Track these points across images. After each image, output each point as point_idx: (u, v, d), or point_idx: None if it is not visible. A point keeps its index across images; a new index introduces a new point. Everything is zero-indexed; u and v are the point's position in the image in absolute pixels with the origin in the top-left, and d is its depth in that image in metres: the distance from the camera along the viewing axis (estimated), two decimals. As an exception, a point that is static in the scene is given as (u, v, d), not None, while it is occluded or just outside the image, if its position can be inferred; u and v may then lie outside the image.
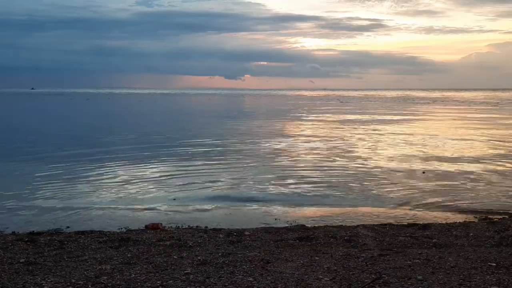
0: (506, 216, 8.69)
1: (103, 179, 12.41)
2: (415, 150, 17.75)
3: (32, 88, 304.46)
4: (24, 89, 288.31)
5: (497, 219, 8.40)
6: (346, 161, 15.19)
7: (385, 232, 7.20)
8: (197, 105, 73.58)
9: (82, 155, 16.65)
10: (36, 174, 12.98)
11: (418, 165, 14.31)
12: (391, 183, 11.72)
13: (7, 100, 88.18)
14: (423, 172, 12.95)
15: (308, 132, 26.13)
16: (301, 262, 5.58)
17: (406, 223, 8.08)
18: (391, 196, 10.47)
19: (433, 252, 6.04)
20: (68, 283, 4.87)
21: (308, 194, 10.71)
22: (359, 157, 16.08)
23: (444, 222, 8.27)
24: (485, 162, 14.90)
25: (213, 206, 9.63)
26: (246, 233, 7.20)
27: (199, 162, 15.08)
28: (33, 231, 7.59)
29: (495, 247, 6.36)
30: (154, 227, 7.88)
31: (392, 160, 15.36)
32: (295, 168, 13.94)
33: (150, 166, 14.40)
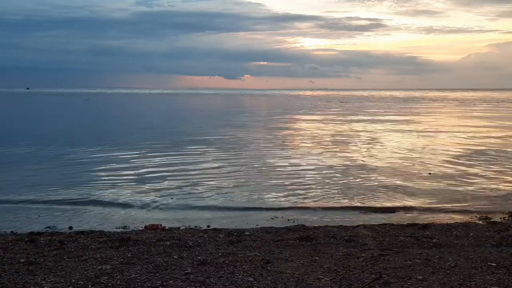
0: (506, 216, 8.70)
1: (103, 179, 12.40)
2: (418, 150, 17.74)
3: (27, 88, 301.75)
4: (20, 89, 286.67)
5: (497, 219, 8.41)
6: (348, 161, 15.18)
7: (385, 232, 7.20)
8: (199, 104, 73.57)
9: (81, 155, 16.64)
10: (36, 174, 12.99)
11: (421, 165, 14.30)
12: (393, 183, 11.71)
13: None
14: (429, 173, 12.94)
15: (310, 131, 26.12)
16: (301, 262, 5.58)
17: (406, 223, 8.07)
18: (392, 196, 10.47)
19: (433, 252, 6.04)
20: (68, 283, 4.87)
21: (308, 194, 10.70)
22: (361, 157, 16.07)
23: (444, 222, 8.27)
24: (485, 162, 14.90)
25: (213, 206, 9.63)
26: (246, 233, 7.20)
27: (200, 162, 15.09)
28: (33, 231, 7.59)
29: (495, 247, 6.36)
30: (153, 228, 7.88)
31: (395, 160, 15.35)
32: (295, 168, 13.92)
33: (151, 166, 14.39)
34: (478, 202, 9.91)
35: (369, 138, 21.99)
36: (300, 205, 9.78)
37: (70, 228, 8.11)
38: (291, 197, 10.38)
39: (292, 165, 14.56)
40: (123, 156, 16.37)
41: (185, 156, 16.39)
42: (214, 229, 7.66)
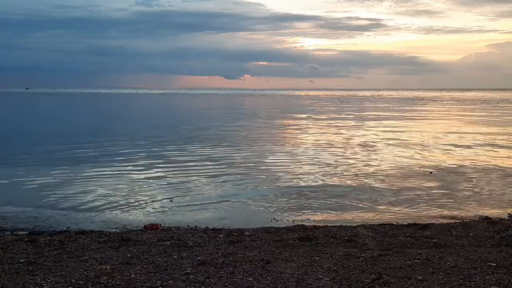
0: (506, 216, 8.70)
1: (103, 179, 12.39)
2: (419, 150, 17.74)
3: (27, 88, 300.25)
4: (19, 89, 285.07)
5: (497, 219, 8.41)
6: (348, 161, 15.17)
7: (385, 232, 7.20)
8: (199, 105, 73.57)
9: (82, 156, 16.65)
10: (36, 175, 12.98)
11: (422, 165, 14.30)
12: (393, 182, 11.72)
13: None
14: (431, 173, 12.94)
15: (311, 131, 26.13)
16: (301, 262, 5.58)
17: (406, 223, 8.07)
18: (393, 195, 10.47)
19: (433, 252, 6.04)
20: (68, 283, 4.86)
21: (308, 193, 10.70)
22: (362, 157, 16.07)
23: (444, 222, 8.27)
24: (486, 162, 14.91)
25: (213, 206, 9.63)
26: (246, 233, 7.20)
27: (200, 162, 15.09)
28: (33, 231, 7.58)
29: (495, 247, 6.36)
30: (153, 228, 7.88)
31: (395, 160, 15.36)
32: (295, 168, 13.93)
33: (151, 166, 14.39)
34: (478, 202, 9.92)
35: (368, 139, 21.99)
36: (299, 205, 9.77)
37: (70, 228, 8.11)
38: (291, 197, 10.38)
39: (292, 165, 14.56)
40: (123, 156, 16.37)
41: (185, 156, 16.39)
42: (214, 229, 7.66)
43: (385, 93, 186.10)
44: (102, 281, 4.91)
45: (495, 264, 5.41)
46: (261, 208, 9.48)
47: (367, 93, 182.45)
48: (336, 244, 6.51)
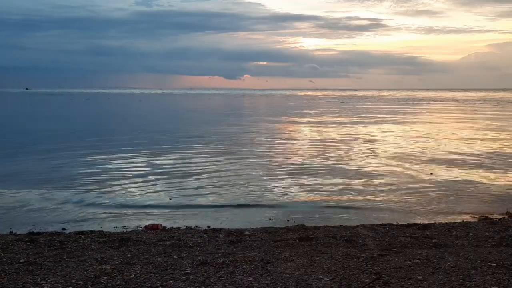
0: (506, 216, 8.70)
1: (102, 178, 12.40)
2: (419, 151, 17.74)
3: (26, 88, 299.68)
4: (19, 89, 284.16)
5: (497, 219, 8.41)
6: (348, 161, 15.18)
7: (385, 232, 7.20)
8: (198, 104, 73.56)
9: (82, 155, 16.64)
10: (36, 174, 12.98)
11: (423, 166, 14.29)
12: (394, 183, 11.71)
13: None
14: (431, 174, 12.93)
15: (310, 131, 26.13)
16: (301, 262, 5.58)
17: (406, 223, 8.07)
18: (393, 196, 10.47)
19: (433, 252, 6.04)
20: (68, 283, 4.86)
21: (308, 193, 10.70)
22: (362, 158, 16.07)
23: (444, 222, 8.27)
24: (486, 162, 14.91)
25: (213, 206, 9.63)
26: (246, 233, 7.20)
27: (200, 162, 15.09)
28: (33, 231, 7.58)
29: (495, 247, 6.36)
30: (153, 228, 7.88)
31: (396, 161, 15.35)
32: (294, 168, 13.92)
33: (150, 166, 14.39)
34: (478, 203, 9.92)
35: (368, 140, 21.99)
36: (299, 205, 9.78)
37: (70, 228, 8.11)
38: (291, 197, 10.38)
39: (291, 165, 14.55)
40: (123, 156, 16.37)
41: (185, 156, 16.39)
42: (214, 229, 7.66)
43: (385, 93, 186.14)
44: (102, 281, 4.91)
45: (495, 264, 5.42)
46: (261, 208, 9.48)
47: (367, 93, 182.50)
48: (336, 244, 6.51)
